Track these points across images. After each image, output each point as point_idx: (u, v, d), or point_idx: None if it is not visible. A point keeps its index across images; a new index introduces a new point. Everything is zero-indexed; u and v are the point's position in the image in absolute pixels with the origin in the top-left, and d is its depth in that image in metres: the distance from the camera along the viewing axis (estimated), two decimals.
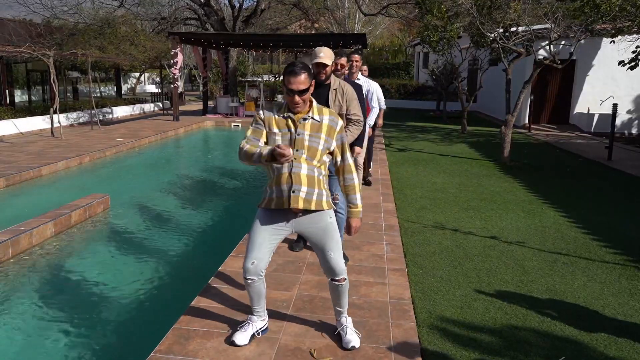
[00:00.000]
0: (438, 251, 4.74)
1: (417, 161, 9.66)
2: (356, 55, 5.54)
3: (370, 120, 6.55)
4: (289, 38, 19.78)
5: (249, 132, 2.89)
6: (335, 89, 3.97)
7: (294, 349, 2.94)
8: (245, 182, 8.84)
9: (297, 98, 2.76)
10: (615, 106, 9.89)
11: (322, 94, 3.86)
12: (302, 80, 2.73)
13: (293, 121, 2.85)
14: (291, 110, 2.86)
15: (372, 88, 6.55)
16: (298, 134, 2.82)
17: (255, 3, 21.79)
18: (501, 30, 10.16)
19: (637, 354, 3.06)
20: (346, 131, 3.91)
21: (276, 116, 2.88)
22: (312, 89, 2.82)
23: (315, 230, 2.84)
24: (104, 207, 6.69)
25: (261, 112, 2.94)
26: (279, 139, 2.83)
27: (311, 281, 3.90)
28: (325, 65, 3.77)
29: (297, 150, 2.80)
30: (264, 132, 2.88)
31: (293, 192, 2.76)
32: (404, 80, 26.67)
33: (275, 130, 2.85)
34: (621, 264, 4.55)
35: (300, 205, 2.76)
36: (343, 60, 4.56)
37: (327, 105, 3.89)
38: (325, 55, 3.73)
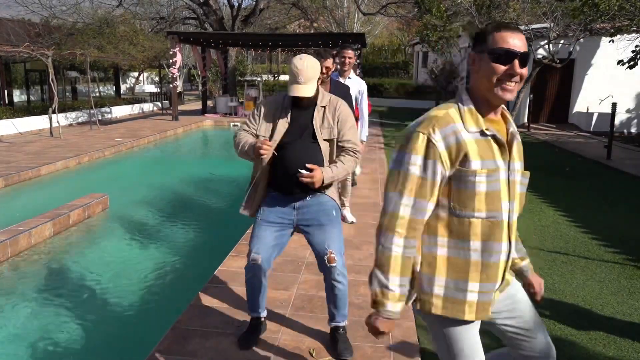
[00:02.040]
0: None
1: None
2: (349, 51, 4.65)
3: (362, 135, 5.19)
4: (288, 37, 19.81)
5: (407, 189, 1.51)
6: (325, 107, 2.77)
7: (293, 349, 2.94)
8: (244, 182, 8.84)
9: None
10: (614, 105, 9.89)
11: (304, 114, 2.75)
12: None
13: (501, 145, 1.55)
14: (485, 117, 1.56)
15: (363, 89, 5.17)
16: (511, 172, 1.58)
17: (254, 2, 21.78)
18: None
19: (637, 353, 3.06)
20: (337, 162, 2.74)
21: (469, 135, 1.51)
22: None
23: None
24: (103, 207, 6.68)
25: (436, 130, 1.50)
26: (482, 187, 1.50)
27: (310, 281, 3.89)
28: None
29: (510, 201, 1.58)
30: (438, 184, 1.52)
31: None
32: (403, 80, 26.67)
33: (477, 164, 1.50)
34: (620, 262, 4.55)
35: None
36: (328, 62, 3.87)
37: (309, 128, 2.73)
38: (306, 77, 2.60)
